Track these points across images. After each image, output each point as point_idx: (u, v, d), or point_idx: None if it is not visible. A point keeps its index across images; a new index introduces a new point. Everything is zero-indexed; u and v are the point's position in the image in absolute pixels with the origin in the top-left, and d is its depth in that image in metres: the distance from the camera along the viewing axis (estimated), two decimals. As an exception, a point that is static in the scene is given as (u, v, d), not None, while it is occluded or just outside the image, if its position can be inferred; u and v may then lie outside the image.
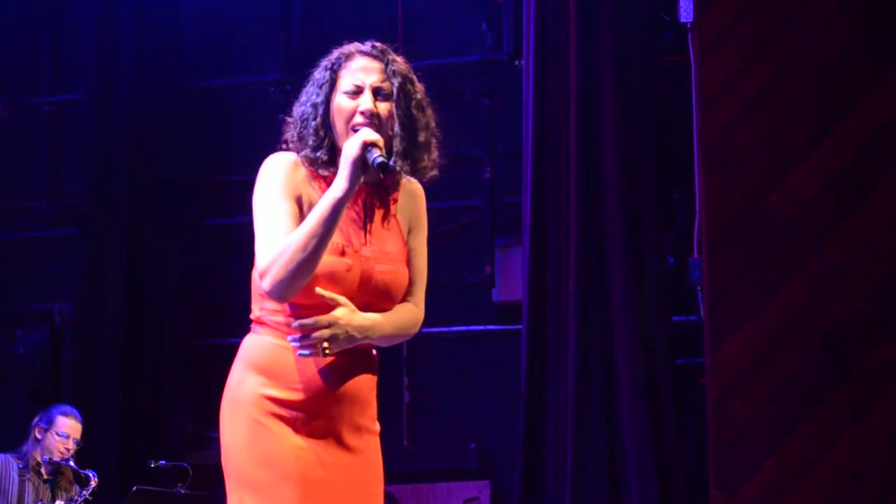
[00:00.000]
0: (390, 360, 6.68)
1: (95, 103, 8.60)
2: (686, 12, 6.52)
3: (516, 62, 7.63)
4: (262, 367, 3.23)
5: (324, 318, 3.15)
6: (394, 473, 7.75)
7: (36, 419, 6.69)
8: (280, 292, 3.12)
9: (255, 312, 3.30)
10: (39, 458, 6.58)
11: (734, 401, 6.15)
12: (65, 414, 6.68)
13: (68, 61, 9.12)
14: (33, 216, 9.06)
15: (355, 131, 3.20)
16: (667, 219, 7.27)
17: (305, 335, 3.16)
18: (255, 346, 3.27)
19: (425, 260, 3.42)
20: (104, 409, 8.16)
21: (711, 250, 6.30)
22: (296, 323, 3.17)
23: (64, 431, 6.61)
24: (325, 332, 3.15)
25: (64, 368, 8.70)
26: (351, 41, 3.40)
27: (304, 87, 3.35)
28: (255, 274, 3.25)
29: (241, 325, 3.38)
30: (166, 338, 8.39)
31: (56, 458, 6.54)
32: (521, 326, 7.26)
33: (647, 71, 7.23)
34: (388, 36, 8.74)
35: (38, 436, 6.61)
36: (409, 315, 3.34)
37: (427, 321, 3.43)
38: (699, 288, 6.43)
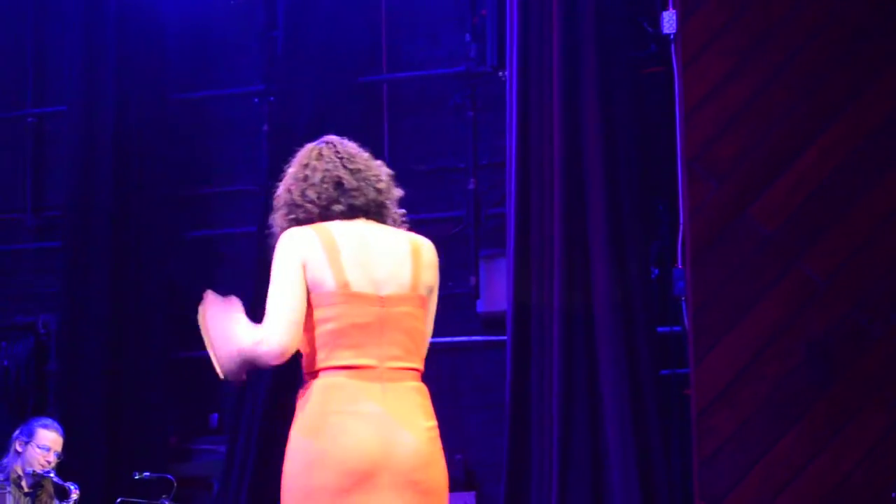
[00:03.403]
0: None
1: (79, 115, 8.56)
2: (669, 24, 6.54)
3: (500, 74, 7.63)
4: None
5: None
6: (378, 485, 7.74)
7: (16, 432, 6.64)
8: None
9: None
10: (20, 471, 6.53)
11: (718, 411, 6.16)
12: (45, 427, 6.63)
13: (52, 73, 9.09)
14: (17, 228, 9.03)
15: None
16: (650, 230, 7.27)
17: None
18: None
19: None
20: (88, 421, 8.13)
21: (695, 261, 6.32)
22: None
23: (45, 444, 6.55)
24: None
25: (48, 381, 8.68)
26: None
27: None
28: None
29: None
30: (150, 350, 8.36)
31: (38, 470, 6.49)
32: (505, 337, 7.25)
33: (631, 82, 7.24)
34: (373, 48, 8.77)
35: (19, 449, 6.56)
36: None
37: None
38: (683, 299, 6.44)
